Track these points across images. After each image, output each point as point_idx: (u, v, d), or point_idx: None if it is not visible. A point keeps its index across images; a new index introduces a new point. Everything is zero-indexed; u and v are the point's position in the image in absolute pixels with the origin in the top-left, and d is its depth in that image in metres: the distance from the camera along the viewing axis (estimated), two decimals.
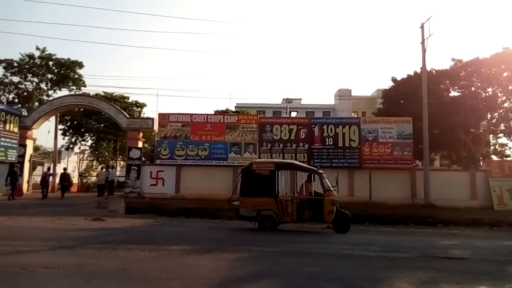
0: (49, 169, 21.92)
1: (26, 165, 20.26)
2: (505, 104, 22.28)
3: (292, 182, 11.59)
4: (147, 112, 35.29)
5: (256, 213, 11.16)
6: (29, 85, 27.42)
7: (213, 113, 28.70)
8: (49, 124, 24.24)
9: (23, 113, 21.79)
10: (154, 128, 20.15)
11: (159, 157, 19.30)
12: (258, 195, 11.27)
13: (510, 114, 22.19)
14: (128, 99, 32.05)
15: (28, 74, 27.09)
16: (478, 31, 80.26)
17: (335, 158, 18.71)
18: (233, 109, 37.19)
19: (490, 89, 22.38)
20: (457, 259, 7.44)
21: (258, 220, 11.26)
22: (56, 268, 5.63)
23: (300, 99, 50.17)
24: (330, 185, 11.41)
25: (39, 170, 23.17)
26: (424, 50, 19.19)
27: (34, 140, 22.17)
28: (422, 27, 19.18)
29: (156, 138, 20.34)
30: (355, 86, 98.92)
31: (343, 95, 44.32)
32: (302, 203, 11.15)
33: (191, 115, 19.74)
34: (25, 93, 27.38)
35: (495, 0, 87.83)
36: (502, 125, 22.88)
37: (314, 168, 12.36)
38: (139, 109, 32.60)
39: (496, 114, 22.52)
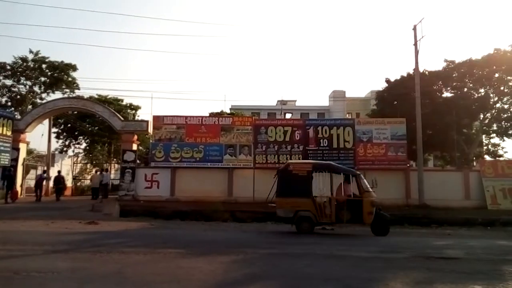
0: (44, 172, 21.75)
1: (19, 169, 20.08)
2: (497, 105, 22.51)
3: (330, 183, 11.49)
4: (141, 115, 35.34)
5: (294, 214, 11.02)
6: (22, 88, 27.17)
7: (207, 115, 28.66)
8: (43, 127, 24.06)
9: (16, 116, 21.57)
10: (149, 130, 20.07)
11: (153, 160, 19.23)
12: (295, 196, 11.14)
13: (502, 114, 22.41)
14: (122, 101, 31.99)
15: (21, 77, 26.83)
16: (470, 32, 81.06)
17: (329, 159, 18.62)
18: (228, 111, 37.20)
19: (482, 90, 22.61)
20: (451, 259, 7.49)
21: (295, 221, 11.09)
22: (50, 272, 5.58)
23: (295, 101, 50.39)
24: (368, 186, 11.32)
25: (32, 174, 22.98)
26: (416, 52, 19.35)
27: (28, 143, 21.98)
28: (414, 29, 19.35)
29: (151, 141, 20.27)
30: (349, 88, 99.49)
31: (337, 96, 44.55)
32: (340, 204, 11.02)
33: (186, 117, 19.69)
34: (18, 96, 27.12)
35: (486, 2, 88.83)
36: (495, 125, 23.08)
37: (352, 170, 12.19)
38: (134, 111, 32.51)
39: (488, 114, 22.74)
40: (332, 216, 10.93)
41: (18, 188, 19.85)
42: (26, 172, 21.47)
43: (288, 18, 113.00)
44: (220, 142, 19.24)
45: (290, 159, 18.64)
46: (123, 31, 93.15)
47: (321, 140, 19.13)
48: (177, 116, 19.75)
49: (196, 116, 19.94)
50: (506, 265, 7.25)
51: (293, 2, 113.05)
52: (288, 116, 43.16)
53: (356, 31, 78.56)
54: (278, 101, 46.23)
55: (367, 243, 9.77)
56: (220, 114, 30.09)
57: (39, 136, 24.71)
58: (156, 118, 19.77)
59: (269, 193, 11.66)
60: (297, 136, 19.23)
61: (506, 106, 22.52)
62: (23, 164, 20.64)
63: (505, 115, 22.36)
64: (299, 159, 18.61)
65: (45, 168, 23.28)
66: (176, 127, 19.45)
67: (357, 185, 11.30)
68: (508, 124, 22.28)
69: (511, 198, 18.25)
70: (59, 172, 21.32)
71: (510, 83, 21.91)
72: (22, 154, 20.57)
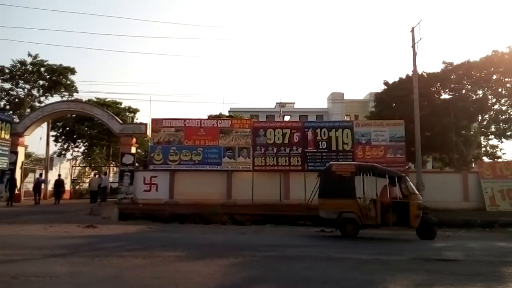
0: (41, 175, 21.75)
1: (18, 172, 20.06)
2: (495, 106, 22.56)
3: (373, 185, 11.29)
4: (140, 118, 35.19)
5: (337, 216, 10.82)
6: (20, 91, 27.16)
7: (206, 118, 28.68)
8: (41, 130, 24.02)
9: (14, 119, 21.57)
10: (147, 133, 20.06)
11: (152, 163, 19.20)
12: (338, 197, 10.96)
13: (500, 116, 22.46)
14: (121, 104, 31.91)
15: (19, 81, 26.80)
16: (468, 34, 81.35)
17: (328, 161, 18.68)
18: (227, 114, 37.18)
19: (480, 92, 22.64)
20: (450, 261, 7.51)
21: (339, 223, 10.86)
22: (48, 276, 5.57)
23: (293, 103, 50.36)
24: (415, 189, 11.11)
25: (30, 177, 22.94)
26: (414, 54, 19.38)
27: (26, 147, 21.96)
28: (412, 31, 19.37)
29: (150, 144, 20.24)
30: (348, 90, 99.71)
31: (336, 98, 44.58)
32: (386, 206, 10.78)
33: (185, 120, 19.68)
34: (17, 100, 27.10)
35: (484, 4, 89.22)
36: (493, 126, 23.12)
37: (397, 171, 11.91)
38: (132, 114, 32.45)
39: (486, 116, 22.77)
40: (377, 218, 10.73)
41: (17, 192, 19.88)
42: (24, 175, 21.45)
43: (286, 20, 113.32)
44: (219, 145, 19.23)
45: (289, 161, 18.71)
46: (122, 34, 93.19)
47: (320, 142, 19.13)
48: (175, 119, 19.72)
49: (195, 119, 19.92)
50: (506, 266, 7.26)
51: (292, 4, 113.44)
52: (286, 118, 43.13)
53: (354, 33, 78.83)
54: (276, 103, 46.21)
55: (365, 246, 9.77)
56: (219, 117, 30.09)
57: (37, 140, 24.85)
58: (154, 121, 19.76)
59: (310, 195, 11.59)
60: (296, 139, 19.23)
61: (504, 108, 22.56)
62: (21, 167, 20.64)
63: (503, 117, 22.40)
64: (297, 161, 18.67)
65: (42, 172, 23.24)
66: (175, 129, 19.44)
67: (400, 187, 11.06)
68: (506, 125, 22.33)
69: (509, 199, 18.28)
70: (59, 176, 21.31)
71: (508, 85, 21.94)
72: (21, 157, 20.57)
